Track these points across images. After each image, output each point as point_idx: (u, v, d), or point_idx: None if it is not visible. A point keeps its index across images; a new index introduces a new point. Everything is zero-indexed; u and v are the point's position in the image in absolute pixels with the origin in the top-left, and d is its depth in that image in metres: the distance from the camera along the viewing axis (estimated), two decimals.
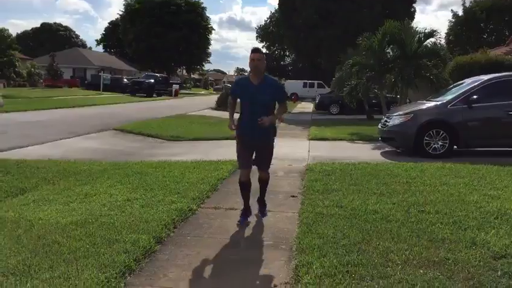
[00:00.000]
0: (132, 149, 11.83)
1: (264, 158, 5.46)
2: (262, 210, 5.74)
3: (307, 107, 35.01)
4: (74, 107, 23.92)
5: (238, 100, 5.43)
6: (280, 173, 8.25)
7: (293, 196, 6.75)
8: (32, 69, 51.91)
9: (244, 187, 5.42)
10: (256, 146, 5.35)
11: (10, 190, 6.58)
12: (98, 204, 5.82)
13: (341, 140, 13.69)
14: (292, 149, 11.14)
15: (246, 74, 6.68)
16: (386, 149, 11.44)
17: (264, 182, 5.61)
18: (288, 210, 5.99)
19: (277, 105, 5.40)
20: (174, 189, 6.60)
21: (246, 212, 5.52)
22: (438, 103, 10.74)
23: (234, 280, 3.90)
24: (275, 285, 3.79)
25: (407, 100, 17.57)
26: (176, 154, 10.39)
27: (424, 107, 11.05)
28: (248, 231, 5.22)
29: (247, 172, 5.35)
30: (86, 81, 52.62)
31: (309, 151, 11.12)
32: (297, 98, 43.09)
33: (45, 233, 4.69)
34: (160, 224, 5.05)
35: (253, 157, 5.43)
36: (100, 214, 5.40)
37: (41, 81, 52.03)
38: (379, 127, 11.48)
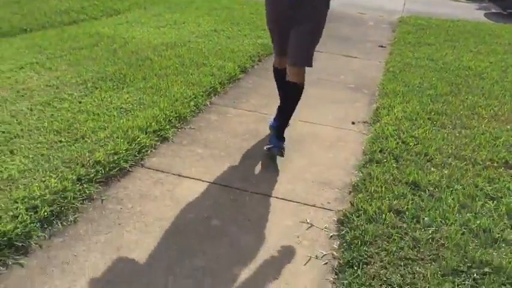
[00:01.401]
0: None
1: (301, 41, 2.92)
2: (277, 143, 3.15)
3: None
4: None
5: None
6: (370, 23, 7.86)
7: (381, 46, 6.51)
8: None
9: (278, 77, 3.32)
10: (291, 22, 2.91)
11: (105, 10, 6.82)
12: (186, 31, 5.94)
13: None
14: (385, 0, 10.43)
15: None
16: (493, 11, 10.41)
17: (292, 89, 3.07)
18: (375, 58, 5.82)
19: None
20: (260, 26, 6.54)
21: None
22: None
23: (312, 112, 3.98)
24: (353, 122, 3.84)
25: None
26: None
27: None
28: (330, 77, 5.17)
29: (283, 60, 3.12)
30: None
31: (404, 4, 10.37)
32: None
33: (138, 50, 4.93)
34: (245, 55, 5.12)
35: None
36: (189, 40, 5.54)
37: None
38: None
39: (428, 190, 2.74)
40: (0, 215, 2.22)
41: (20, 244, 2.11)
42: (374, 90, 4.61)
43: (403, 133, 3.46)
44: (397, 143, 3.30)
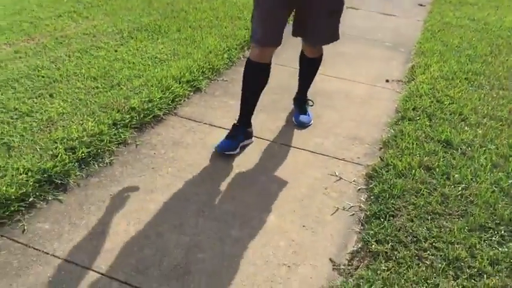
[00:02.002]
0: None
1: (325, 23, 2.54)
2: (303, 121, 2.98)
3: None
4: None
5: None
6: None
7: (421, 5, 6.30)
8: None
9: (257, 75, 2.57)
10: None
11: None
12: None
13: None
14: None
15: None
16: None
17: (315, 62, 2.88)
18: (414, 17, 5.64)
19: None
20: None
21: (240, 126, 2.66)
22: None
23: (346, 69, 3.94)
24: (387, 80, 3.78)
25: None
26: None
27: None
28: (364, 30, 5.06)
29: (270, 51, 2.51)
30: None
31: None
32: None
33: (173, 1, 4.92)
34: None
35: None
36: None
37: None
38: None
39: (461, 149, 2.71)
40: (40, 154, 2.32)
41: (59, 182, 2.21)
42: (411, 49, 4.50)
43: (438, 92, 3.39)
44: (432, 101, 3.25)
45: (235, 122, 2.68)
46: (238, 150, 2.63)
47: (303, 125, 2.97)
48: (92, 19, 4.27)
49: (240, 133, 2.65)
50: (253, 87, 2.61)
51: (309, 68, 2.95)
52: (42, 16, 4.21)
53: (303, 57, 2.90)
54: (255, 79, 2.58)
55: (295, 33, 2.65)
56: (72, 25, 4.04)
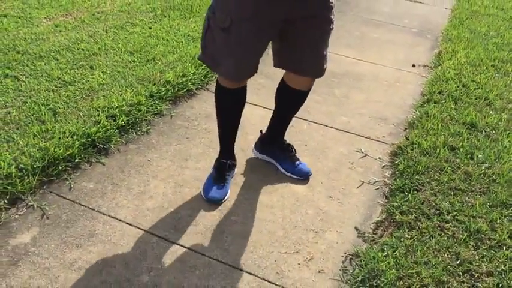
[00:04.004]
0: None
1: (316, 47, 1.98)
2: (305, 170, 2.40)
3: None
4: None
5: None
6: None
7: None
8: None
9: (233, 100, 2.12)
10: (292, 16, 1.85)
11: None
12: None
13: None
14: None
15: None
16: None
17: (301, 95, 2.22)
18: (441, 4, 5.65)
19: None
20: None
21: (223, 163, 2.24)
22: None
23: (374, 53, 4.00)
24: (413, 65, 3.84)
25: None
26: None
27: None
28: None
29: (243, 81, 2.05)
30: None
31: None
32: None
33: None
34: None
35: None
36: None
37: None
38: None
39: (485, 131, 2.78)
40: (84, 120, 2.46)
41: (101, 146, 2.36)
42: (437, 36, 4.54)
43: (465, 77, 3.45)
44: (457, 86, 3.30)
45: (219, 157, 2.23)
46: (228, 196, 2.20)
47: (307, 175, 2.37)
48: None
49: (228, 170, 2.22)
50: (232, 113, 2.15)
51: (293, 102, 2.29)
52: None
53: (286, 91, 2.19)
54: (232, 104, 2.12)
55: (252, 67, 1.99)
56: (108, 2, 4.17)
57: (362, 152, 2.64)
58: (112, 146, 2.39)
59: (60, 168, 2.15)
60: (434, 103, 3.07)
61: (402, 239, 1.95)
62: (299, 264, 1.88)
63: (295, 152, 2.43)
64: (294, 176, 2.37)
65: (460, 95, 3.18)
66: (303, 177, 2.37)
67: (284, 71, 2.12)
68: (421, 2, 5.67)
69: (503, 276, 1.80)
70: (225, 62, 1.88)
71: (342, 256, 1.94)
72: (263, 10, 1.77)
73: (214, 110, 2.15)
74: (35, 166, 2.08)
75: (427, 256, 1.86)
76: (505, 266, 1.84)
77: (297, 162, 2.39)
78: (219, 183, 2.18)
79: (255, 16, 1.77)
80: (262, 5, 1.77)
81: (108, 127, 2.42)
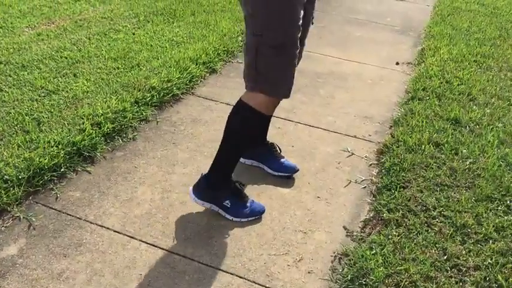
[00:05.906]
0: None
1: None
2: (291, 165, 2.42)
3: None
4: None
5: None
6: None
7: None
8: None
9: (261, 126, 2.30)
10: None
11: None
12: None
13: None
14: None
15: None
16: None
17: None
18: (423, 2, 5.71)
19: None
20: None
21: (237, 184, 2.14)
22: None
23: (357, 52, 4.03)
24: (397, 63, 3.87)
25: None
26: None
27: None
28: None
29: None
30: None
31: None
32: None
33: None
34: None
35: None
36: None
37: None
38: None
39: (469, 126, 2.81)
40: (69, 128, 2.45)
41: (87, 154, 2.34)
42: (420, 33, 4.59)
43: (448, 73, 3.48)
44: (441, 82, 3.34)
45: (232, 182, 2.11)
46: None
47: (294, 170, 2.39)
48: (109, 3, 4.37)
49: (241, 186, 2.17)
50: (252, 138, 2.20)
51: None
52: (60, 1, 4.32)
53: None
54: (257, 130, 2.23)
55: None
56: (90, 9, 4.15)
57: (349, 151, 2.66)
58: (98, 153, 2.38)
59: (45, 178, 2.13)
60: (419, 100, 3.10)
61: (390, 237, 1.97)
62: (288, 265, 1.89)
63: (280, 150, 2.45)
64: (282, 174, 2.38)
65: (443, 91, 3.22)
66: (291, 172, 2.39)
67: None
68: (403, 0, 5.72)
69: (490, 269, 1.82)
70: (284, 80, 1.83)
71: (331, 256, 1.95)
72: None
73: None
74: (20, 177, 2.07)
75: (414, 252, 1.88)
76: (491, 259, 1.86)
77: (283, 160, 2.41)
78: (246, 199, 2.12)
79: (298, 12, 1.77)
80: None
81: (94, 135, 2.41)
